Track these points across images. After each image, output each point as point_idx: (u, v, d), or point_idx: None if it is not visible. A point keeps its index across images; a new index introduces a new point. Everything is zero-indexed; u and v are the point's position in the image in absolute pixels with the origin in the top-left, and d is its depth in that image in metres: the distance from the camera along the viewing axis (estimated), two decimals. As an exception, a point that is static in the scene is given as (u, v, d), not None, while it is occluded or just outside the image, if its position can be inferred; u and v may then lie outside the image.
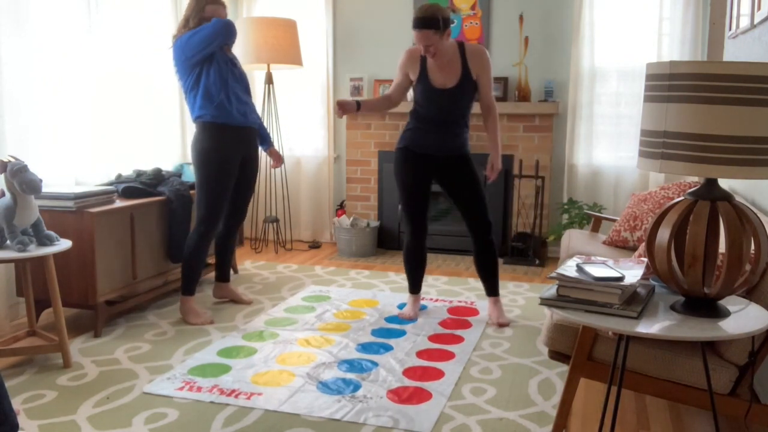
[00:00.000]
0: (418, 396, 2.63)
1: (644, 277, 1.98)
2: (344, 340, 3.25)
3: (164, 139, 4.65)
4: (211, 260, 4.34)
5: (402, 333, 3.37)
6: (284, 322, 3.52)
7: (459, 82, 3.30)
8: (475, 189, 3.41)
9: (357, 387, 2.71)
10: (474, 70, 3.32)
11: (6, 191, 2.76)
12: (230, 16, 5.47)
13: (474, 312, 3.72)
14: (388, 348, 3.16)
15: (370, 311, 3.73)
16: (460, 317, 3.63)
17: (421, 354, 3.08)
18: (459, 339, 3.29)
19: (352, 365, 2.94)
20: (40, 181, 2.73)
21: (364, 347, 3.16)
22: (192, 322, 3.48)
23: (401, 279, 4.46)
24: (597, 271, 1.87)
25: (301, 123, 5.55)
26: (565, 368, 2.92)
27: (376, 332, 3.38)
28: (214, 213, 3.46)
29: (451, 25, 3.36)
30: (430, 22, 3.12)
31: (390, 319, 3.58)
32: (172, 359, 3.01)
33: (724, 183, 3.54)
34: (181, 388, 2.69)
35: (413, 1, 5.23)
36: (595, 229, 3.86)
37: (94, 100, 3.94)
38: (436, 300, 3.96)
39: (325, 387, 2.71)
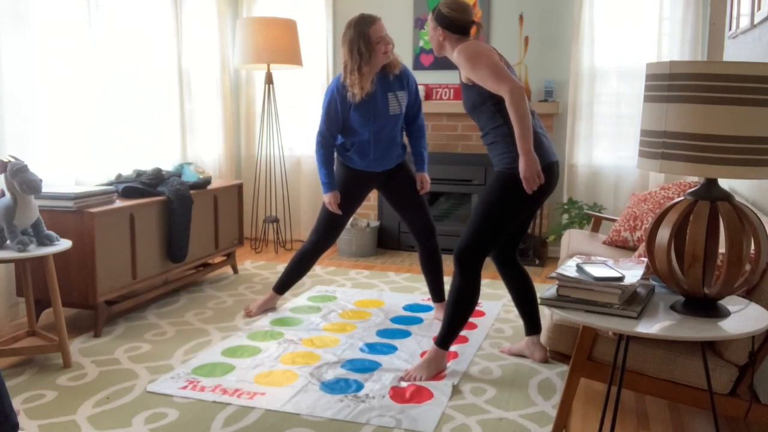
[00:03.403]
0: (420, 395, 2.63)
1: (644, 277, 1.99)
2: (350, 340, 3.26)
3: (164, 139, 4.65)
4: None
5: (407, 333, 3.37)
6: (289, 322, 3.52)
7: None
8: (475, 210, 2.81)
9: (360, 387, 2.71)
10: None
11: (6, 191, 2.76)
12: (230, 16, 5.48)
13: (480, 313, 3.71)
14: (393, 348, 3.16)
15: (375, 311, 3.73)
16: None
17: (425, 355, 3.07)
18: (463, 339, 3.29)
19: (355, 365, 2.94)
20: (40, 181, 2.73)
21: (370, 347, 3.16)
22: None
23: (401, 279, 4.46)
24: (597, 271, 1.87)
25: (301, 123, 5.54)
26: (565, 368, 2.92)
27: (381, 333, 3.38)
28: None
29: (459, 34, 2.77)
30: (434, 9, 2.81)
31: (396, 320, 3.58)
32: (172, 359, 3.01)
33: (724, 183, 3.54)
34: (185, 387, 2.69)
35: (413, 1, 5.23)
36: (595, 229, 3.86)
37: (94, 100, 3.94)
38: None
39: (327, 387, 2.71)
